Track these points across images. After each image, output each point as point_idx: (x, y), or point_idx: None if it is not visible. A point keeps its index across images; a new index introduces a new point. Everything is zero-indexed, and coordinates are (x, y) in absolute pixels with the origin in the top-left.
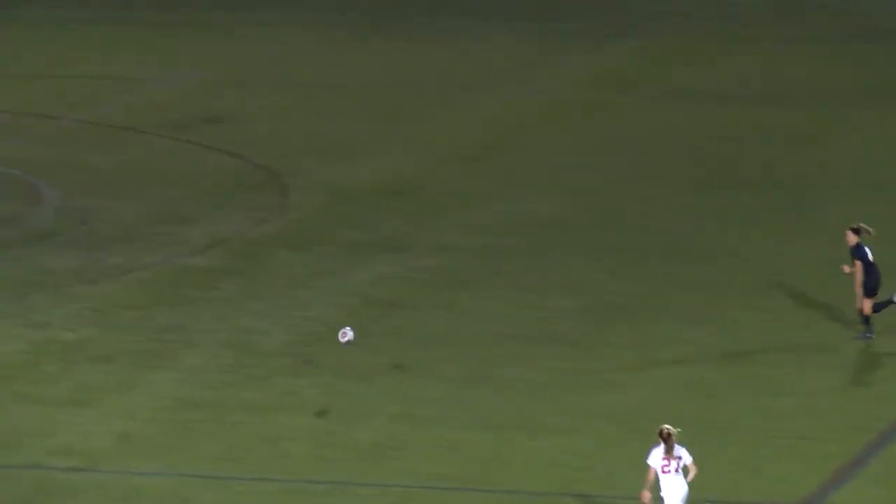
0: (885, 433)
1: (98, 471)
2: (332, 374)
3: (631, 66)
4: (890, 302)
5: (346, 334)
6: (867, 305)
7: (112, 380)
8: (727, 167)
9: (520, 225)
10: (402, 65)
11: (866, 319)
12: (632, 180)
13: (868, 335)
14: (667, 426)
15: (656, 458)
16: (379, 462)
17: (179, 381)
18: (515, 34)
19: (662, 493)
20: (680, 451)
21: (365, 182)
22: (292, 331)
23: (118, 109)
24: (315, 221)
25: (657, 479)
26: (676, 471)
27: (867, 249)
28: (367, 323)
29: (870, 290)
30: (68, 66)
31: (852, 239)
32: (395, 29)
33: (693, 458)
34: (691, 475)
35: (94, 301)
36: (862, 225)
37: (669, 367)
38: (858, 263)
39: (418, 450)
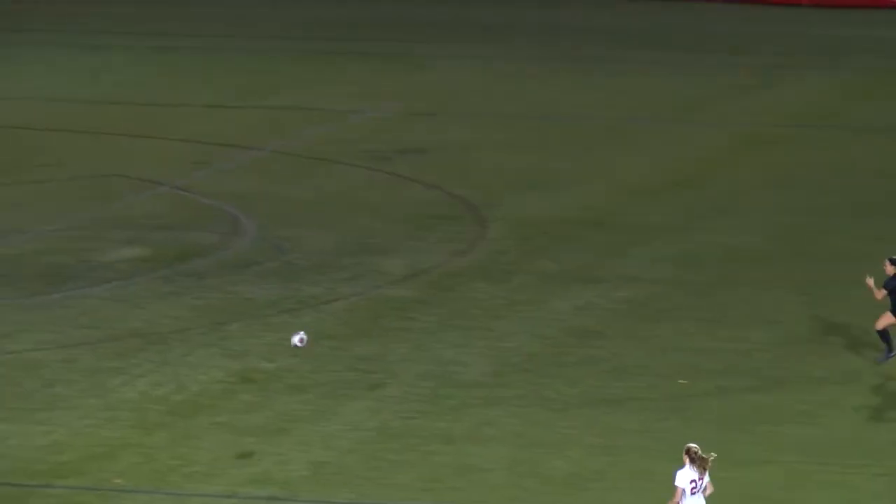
0: None
1: (296, 500)
2: (528, 404)
3: (828, 99)
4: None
5: (303, 340)
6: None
7: (309, 409)
8: None
9: (714, 257)
10: (598, 97)
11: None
12: (826, 213)
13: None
14: (694, 445)
15: (684, 479)
16: (575, 493)
17: (376, 411)
18: (711, 67)
19: None
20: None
21: (561, 213)
22: (490, 361)
23: (316, 140)
24: (512, 252)
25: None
26: (702, 491)
27: None
28: (564, 353)
29: None
30: (265, 97)
31: (891, 270)
32: (591, 61)
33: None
34: (708, 492)
35: (291, 331)
36: None
37: (865, 398)
38: (884, 292)
39: (615, 480)
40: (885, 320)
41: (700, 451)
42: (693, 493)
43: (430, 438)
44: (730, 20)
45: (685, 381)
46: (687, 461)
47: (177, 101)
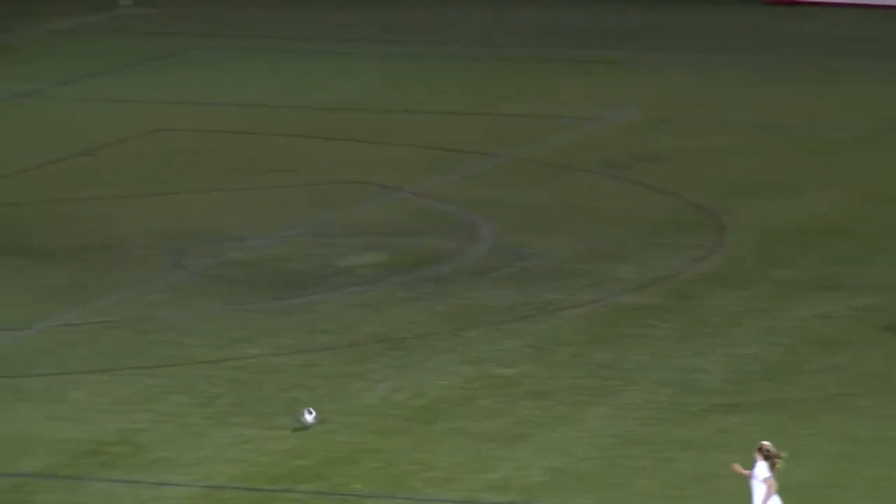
0: None
1: None
2: (768, 412)
3: None
4: None
5: (311, 415)
6: None
7: (548, 415)
8: None
9: None
10: (838, 104)
11: None
12: None
13: None
14: (767, 443)
15: (765, 471)
16: (815, 501)
17: (615, 418)
18: None
19: None
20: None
21: (799, 221)
22: (729, 368)
23: (556, 147)
24: (750, 260)
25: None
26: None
27: None
28: (803, 361)
29: None
30: (500, 104)
31: None
32: (828, 68)
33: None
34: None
35: (529, 337)
36: None
37: None
38: None
39: (855, 489)
40: None
41: (772, 449)
42: None
43: (669, 445)
44: None
45: None
46: (760, 458)
47: (413, 107)
